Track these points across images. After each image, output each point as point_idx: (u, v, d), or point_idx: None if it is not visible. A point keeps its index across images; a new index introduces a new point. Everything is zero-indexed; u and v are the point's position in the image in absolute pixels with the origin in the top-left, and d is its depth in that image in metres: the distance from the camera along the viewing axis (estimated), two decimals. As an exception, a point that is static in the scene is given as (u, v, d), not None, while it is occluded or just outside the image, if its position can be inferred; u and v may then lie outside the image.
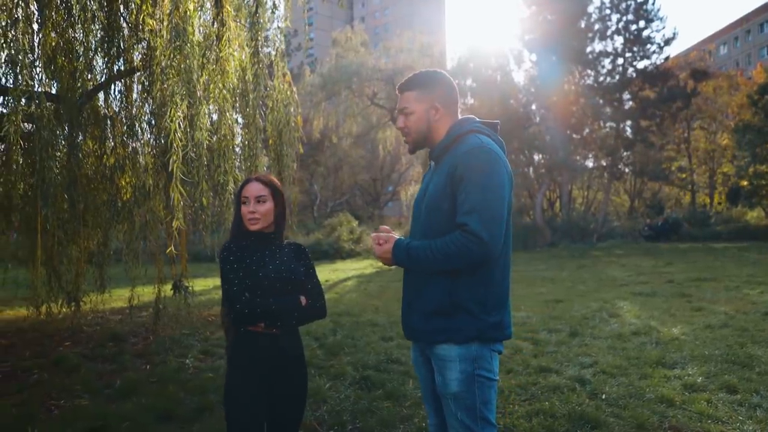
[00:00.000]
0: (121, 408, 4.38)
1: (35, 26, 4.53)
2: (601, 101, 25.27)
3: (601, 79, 25.52)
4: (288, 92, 6.92)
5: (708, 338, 6.09)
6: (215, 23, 4.58)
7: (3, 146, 6.70)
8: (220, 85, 4.63)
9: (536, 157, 29.78)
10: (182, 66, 4.06)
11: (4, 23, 4.31)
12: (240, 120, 6.57)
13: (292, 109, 6.91)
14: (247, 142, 6.39)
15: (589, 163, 29.43)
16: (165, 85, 4.11)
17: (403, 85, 2.27)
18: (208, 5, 5.42)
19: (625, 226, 28.14)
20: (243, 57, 5.80)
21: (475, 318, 2.05)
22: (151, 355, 6.20)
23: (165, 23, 4.17)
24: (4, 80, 4.78)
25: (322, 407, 4.33)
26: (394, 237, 2.14)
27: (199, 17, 4.57)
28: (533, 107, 28.04)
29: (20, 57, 4.27)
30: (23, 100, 4.48)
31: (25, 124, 5.58)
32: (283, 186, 7.22)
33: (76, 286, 7.79)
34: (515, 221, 25.09)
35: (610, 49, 25.52)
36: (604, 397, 4.31)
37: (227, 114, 4.81)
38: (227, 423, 2.36)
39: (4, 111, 4.48)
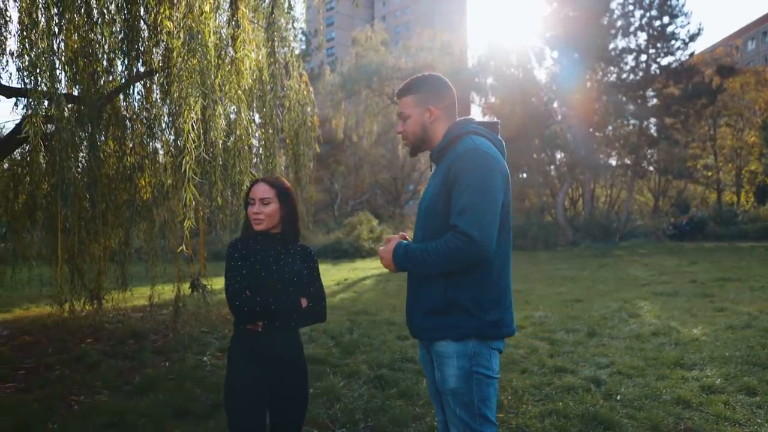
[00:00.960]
0: (138, 404, 4.45)
1: (56, 29, 4.61)
2: (624, 99, 24.93)
3: (624, 76, 25.18)
4: (305, 92, 6.96)
5: (729, 339, 5.98)
6: (230, 25, 4.64)
7: (27, 147, 6.87)
8: (236, 85, 4.68)
9: (558, 156, 29.55)
10: (194, 67, 4.12)
11: (24, 26, 4.41)
12: (257, 119, 6.63)
13: (308, 109, 6.95)
14: (264, 142, 6.44)
15: (613, 162, 29.09)
16: (180, 86, 4.17)
17: (400, 90, 2.33)
18: (225, 6, 5.49)
19: (648, 225, 27.75)
20: (260, 57, 5.86)
21: (472, 316, 2.07)
22: (169, 353, 6.29)
23: (182, 25, 4.23)
24: (25, 82, 4.86)
25: (336, 405, 4.35)
26: (396, 239, 2.17)
27: (215, 19, 4.61)
28: (555, 105, 27.81)
29: (42, 59, 4.36)
30: (45, 101, 4.57)
31: (49, 125, 5.72)
32: (300, 186, 7.28)
33: (98, 284, 7.95)
34: (535, 220, 24.94)
35: (633, 45, 25.19)
36: (619, 398, 4.27)
37: (243, 114, 4.87)
38: (228, 419, 2.41)
39: (28, 112, 4.57)
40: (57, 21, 4.65)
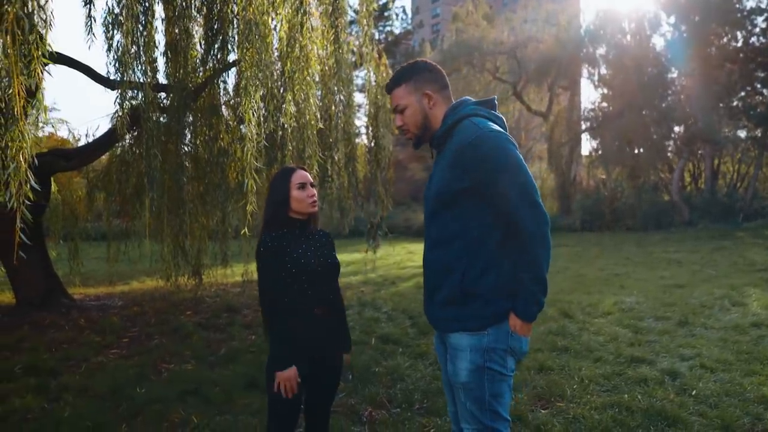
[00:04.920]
0: (217, 374, 4.80)
1: (138, 26, 4.96)
2: (752, 65, 22.60)
3: (753, 39, 22.79)
4: (384, 74, 7.00)
5: (844, 334, 5.38)
6: (299, 12, 4.76)
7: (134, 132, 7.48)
8: (304, 72, 4.82)
9: (676, 129, 27.46)
10: (254, 57, 4.29)
11: (111, 22, 4.80)
12: (341, 99, 6.74)
13: (387, 91, 6.98)
14: (342, 125, 6.57)
15: (742, 134, 26.52)
16: (244, 75, 4.36)
17: (388, 85, 2.28)
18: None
19: (780, 204, 25.12)
20: (340, 39, 5.95)
21: (487, 304, 2.03)
22: (257, 327, 6.68)
23: (242, 16, 4.40)
24: (122, 74, 5.25)
25: (397, 385, 4.44)
26: (515, 321, 2.04)
27: (283, 7, 4.75)
28: (672, 74, 25.79)
29: (128, 53, 4.73)
30: (132, 92, 4.96)
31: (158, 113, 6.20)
32: (379, 168, 7.37)
33: (198, 261, 8.56)
34: (647, 199, 23.40)
35: (764, 5, 22.67)
36: (694, 393, 3.99)
37: (311, 100, 5.00)
38: (270, 402, 2.47)
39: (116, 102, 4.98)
40: (143, 18, 4.99)
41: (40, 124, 9.42)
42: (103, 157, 8.72)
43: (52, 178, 8.11)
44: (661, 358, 4.90)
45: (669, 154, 27.96)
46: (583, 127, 29.63)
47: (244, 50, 4.29)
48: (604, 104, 29.52)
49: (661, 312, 6.72)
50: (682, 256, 13.00)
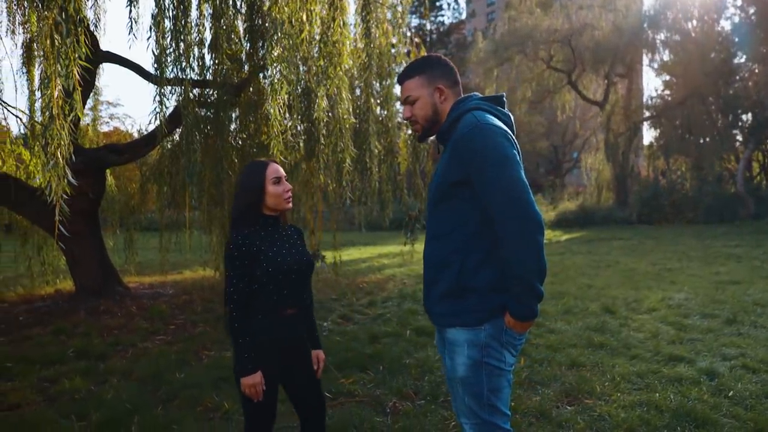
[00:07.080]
0: (253, 362, 4.95)
1: (180, 24, 5.14)
2: (828, 47, 21.25)
3: (830, 20, 21.40)
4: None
5: None
6: (332, 8, 4.82)
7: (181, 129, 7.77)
8: (337, 68, 4.88)
9: (743, 117, 26.13)
10: (283, 55, 4.38)
11: (151, 23, 4.99)
12: (378, 92, 6.78)
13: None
14: (381, 118, 6.62)
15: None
16: (273, 72, 4.46)
17: (401, 76, 2.27)
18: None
19: None
20: (372, 33, 5.99)
21: (484, 299, 2.02)
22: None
23: (277, 13, 4.49)
24: (165, 71, 5.45)
25: (425, 377, 4.46)
26: (509, 318, 2.02)
27: (317, 3, 4.83)
28: (739, 59, 24.52)
29: (170, 49, 4.92)
30: (178, 88, 5.15)
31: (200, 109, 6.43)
32: (417, 160, 7.40)
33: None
34: (710, 191, 22.40)
35: (842, -17, 21.23)
36: (730, 394, 3.85)
37: (343, 95, 5.06)
38: (243, 405, 2.36)
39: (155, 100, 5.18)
40: (183, 18, 5.16)
41: (104, 120, 9.91)
42: (156, 150, 9.09)
43: (108, 171, 8.52)
44: (702, 357, 4.73)
45: (735, 143, 26.69)
46: (644, 115, 28.58)
47: (272, 48, 4.38)
48: (666, 92, 28.41)
49: (709, 309, 6.47)
50: (742, 251, 12.42)
